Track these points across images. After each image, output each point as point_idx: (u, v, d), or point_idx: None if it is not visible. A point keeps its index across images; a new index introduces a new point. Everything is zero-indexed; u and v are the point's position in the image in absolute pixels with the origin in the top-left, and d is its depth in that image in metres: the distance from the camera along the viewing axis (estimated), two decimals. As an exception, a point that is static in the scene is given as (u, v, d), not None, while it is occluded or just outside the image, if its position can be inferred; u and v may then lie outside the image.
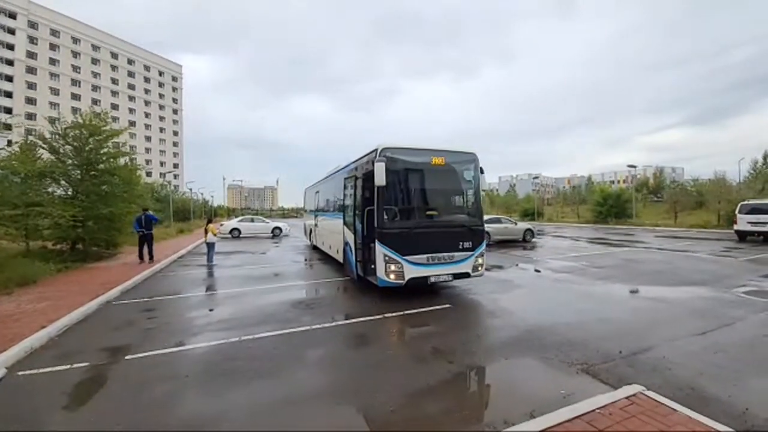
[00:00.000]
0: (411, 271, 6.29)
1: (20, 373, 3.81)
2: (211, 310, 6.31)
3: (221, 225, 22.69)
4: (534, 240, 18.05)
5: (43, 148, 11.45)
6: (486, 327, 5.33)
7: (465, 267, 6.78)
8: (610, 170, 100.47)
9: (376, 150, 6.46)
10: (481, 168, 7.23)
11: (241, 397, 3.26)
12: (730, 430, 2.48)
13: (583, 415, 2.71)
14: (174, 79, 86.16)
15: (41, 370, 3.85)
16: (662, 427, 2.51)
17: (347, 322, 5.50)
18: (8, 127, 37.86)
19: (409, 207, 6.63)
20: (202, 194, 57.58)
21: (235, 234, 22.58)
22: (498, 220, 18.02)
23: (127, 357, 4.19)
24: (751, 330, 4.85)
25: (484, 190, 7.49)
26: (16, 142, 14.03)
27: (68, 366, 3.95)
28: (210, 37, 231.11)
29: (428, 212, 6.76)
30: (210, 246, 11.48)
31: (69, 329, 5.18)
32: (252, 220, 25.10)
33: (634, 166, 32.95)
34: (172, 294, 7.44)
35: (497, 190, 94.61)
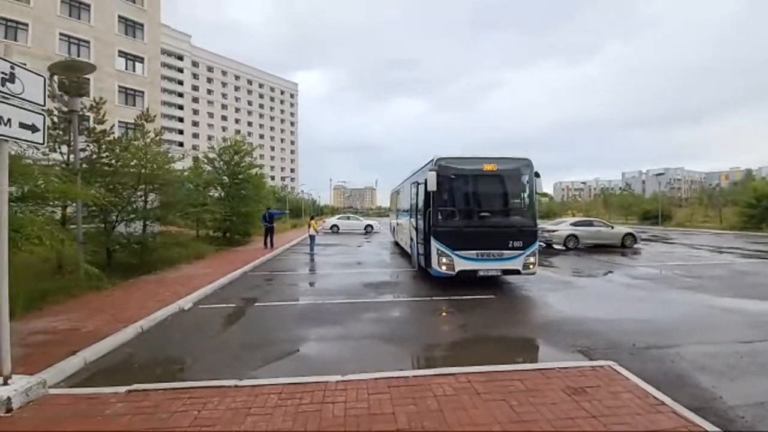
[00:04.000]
0: (461, 265, 7.33)
1: (200, 306, 6.40)
2: (310, 284, 8.56)
3: (323, 222, 26.60)
4: (637, 246, 16.22)
5: (206, 164, 16.02)
6: (516, 314, 6.07)
7: (515, 264, 7.45)
8: (790, 161, 76.29)
9: (432, 160, 7.70)
10: (536, 172, 7.74)
11: (317, 330, 5.06)
12: (661, 395, 3.05)
13: (545, 369, 3.57)
14: (291, 96, 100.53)
15: (210, 306, 6.39)
16: (603, 386, 3.23)
17: (401, 299, 6.94)
18: (181, 144, 50.56)
19: (461, 209, 7.65)
20: (311, 195, 66.23)
21: (334, 229, 26.23)
22: (589, 223, 16.84)
23: (256, 304, 6.51)
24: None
25: (539, 194, 7.95)
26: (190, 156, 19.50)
27: (224, 305, 6.42)
28: (317, 54, 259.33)
29: (479, 214, 7.67)
30: (312, 238, 14.27)
31: (223, 286, 7.94)
32: (348, 218, 28.69)
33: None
34: (284, 271, 10.11)
35: (612, 189, 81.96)
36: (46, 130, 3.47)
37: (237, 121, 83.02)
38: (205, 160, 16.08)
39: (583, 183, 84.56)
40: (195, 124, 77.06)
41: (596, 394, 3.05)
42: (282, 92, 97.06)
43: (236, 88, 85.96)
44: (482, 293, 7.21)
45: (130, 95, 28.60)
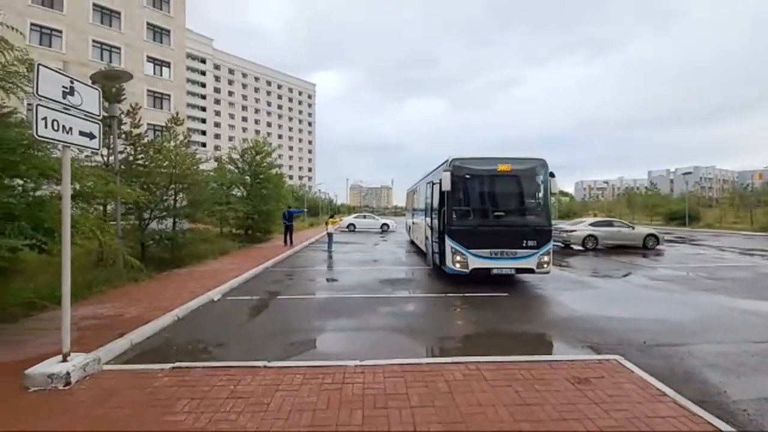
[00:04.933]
0: (474, 263, 7.51)
1: (227, 297, 6.85)
2: (329, 279, 8.93)
3: (340, 220, 27.09)
4: (660, 247, 15.84)
5: (229, 164, 16.71)
6: (528, 311, 6.21)
7: (528, 263, 7.56)
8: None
9: (447, 160, 7.90)
10: (551, 173, 7.82)
11: (335, 322, 5.39)
12: (663, 386, 3.20)
13: (552, 361, 3.75)
14: (309, 96, 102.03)
15: (237, 298, 6.83)
16: (607, 378, 3.39)
17: (415, 295, 7.18)
18: (204, 144, 52.33)
19: (475, 208, 7.82)
20: (328, 194, 67.15)
21: (351, 228, 26.69)
22: (609, 224, 16.55)
23: (278, 297, 6.91)
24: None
25: (556, 193, 8.02)
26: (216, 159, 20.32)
27: (249, 297, 6.85)
28: (334, 55, 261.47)
29: (493, 213, 7.82)
30: (330, 236, 14.69)
31: (247, 280, 8.41)
32: (365, 217, 29.12)
33: None
34: (303, 267, 10.54)
35: (638, 189, 79.10)
36: (101, 137, 3.92)
37: (257, 121, 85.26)
38: (228, 161, 16.77)
39: (606, 182, 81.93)
40: (217, 125, 79.43)
41: (599, 384, 3.23)
42: (300, 93, 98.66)
43: (256, 90, 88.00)
44: (496, 291, 7.36)
45: (158, 98, 29.97)
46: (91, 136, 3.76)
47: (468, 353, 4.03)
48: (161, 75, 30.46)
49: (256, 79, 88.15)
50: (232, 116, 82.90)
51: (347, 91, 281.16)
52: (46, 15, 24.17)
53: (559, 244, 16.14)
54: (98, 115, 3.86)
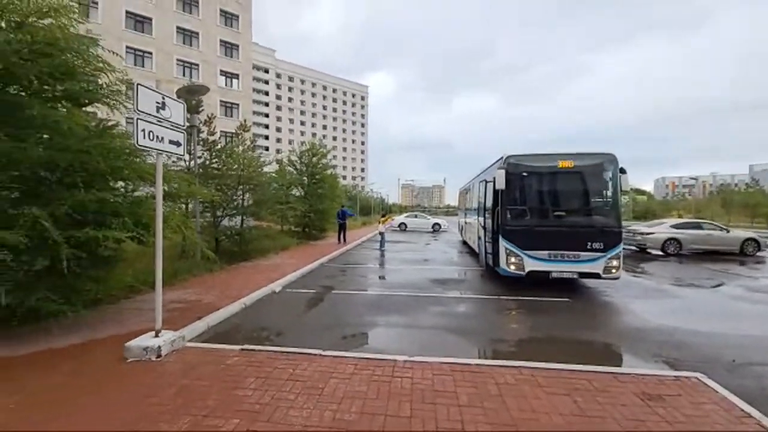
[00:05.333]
0: (531, 265, 7.13)
1: (287, 290, 7.38)
2: (380, 276, 9.15)
3: (392, 219, 27.40)
4: (761, 254, 13.52)
5: (288, 166, 17.85)
6: (593, 319, 5.73)
7: (593, 267, 6.98)
8: None
9: (501, 158, 7.61)
10: (621, 168, 7.13)
11: (386, 318, 5.53)
12: (750, 408, 2.77)
13: (618, 373, 3.46)
14: (362, 98, 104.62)
15: (295, 290, 7.32)
16: (684, 396, 3.03)
17: (467, 295, 7.04)
18: (267, 148, 56.49)
19: (532, 207, 7.42)
20: (380, 194, 68.06)
21: (402, 227, 26.86)
22: (696, 226, 14.51)
23: (333, 291, 7.27)
24: None
25: (625, 192, 7.31)
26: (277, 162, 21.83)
27: (306, 290, 7.30)
28: (386, 54, 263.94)
29: (552, 213, 7.35)
30: (382, 235, 14.95)
31: (305, 275, 8.95)
32: (416, 216, 29.10)
33: None
34: (356, 264, 10.92)
35: (736, 185, 67.88)
36: (185, 145, 4.51)
37: (313, 125, 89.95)
38: (288, 163, 17.93)
39: (694, 178, 71.15)
40: (278, 129, 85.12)
41: (674, 402, 2.91)
42: (353, 95, 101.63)
43: (312, 95, 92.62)
44: (555, 296, 6.92)
45: (228, 108, 33.11)
46: (178, 144, 4.35)
47: (522, 358, 3.87)
48: (231, 86, 33.61)
49: (313, 84, 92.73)
50: (291, 121, 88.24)
51: (399, 89, 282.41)
52: (138, 39, 28.04)
53: (632, 247, 14.58)
54: (183, 126, 4.44)
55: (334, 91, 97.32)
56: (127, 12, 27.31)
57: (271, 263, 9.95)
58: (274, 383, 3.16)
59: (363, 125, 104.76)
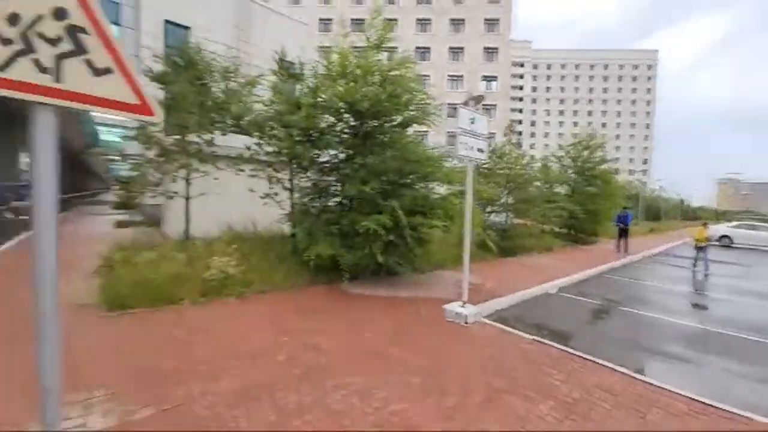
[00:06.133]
0: None
1: (562, 294, 7.02)
2: (694, 304, 6.99)
3: (707, 230, 19.70)
4: None
5: (554, 162, 16.69)
6: None
7: None
8: None
9: None
10: None
11: (712, 359, 4.17)
12: None
13: None
14: (648, 68, 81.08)
15: (572, 296, 6.84)
16: None
17: None
18: (520, 145, 55.36)
19: None
20: (679, 194, 49.57)
21: (724, 242, 18.74)
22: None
23: (620, 307, 6.26)
24: None
25: None
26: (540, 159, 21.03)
27: (585, 299, 6.67)
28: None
29: None
30: (700, 250, 10.75)
31: (580, 281, 8.18)
32: (753, 228, 19.29)
33: None
34: (650, 281, 8.84)
35: None
36: (487, 151, 5.26)
37: (575, 113, 79.31)
38: (553, 158, 16.80)
39: None
40: (532, 123, 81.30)
41: None
42: (635, 67, 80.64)
43: (575, 78, 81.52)
44: None
45: (486, 109, 35.18)
46: (482, 151, 5.14)
47: None
48: (490, 88, 35.44)
49: (576, 66, 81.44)
50: (547, 112, 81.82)
51: (711, 45, 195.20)
52: (454, 66, 35.27)
53: None
54: (485, 135, 5.19)
55: (606, 67, 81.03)
56: (416, 47, 34.80)
57: (537, 262, 9.80)
58: (579, 384, 3.16)
59: (648, 103, 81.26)
